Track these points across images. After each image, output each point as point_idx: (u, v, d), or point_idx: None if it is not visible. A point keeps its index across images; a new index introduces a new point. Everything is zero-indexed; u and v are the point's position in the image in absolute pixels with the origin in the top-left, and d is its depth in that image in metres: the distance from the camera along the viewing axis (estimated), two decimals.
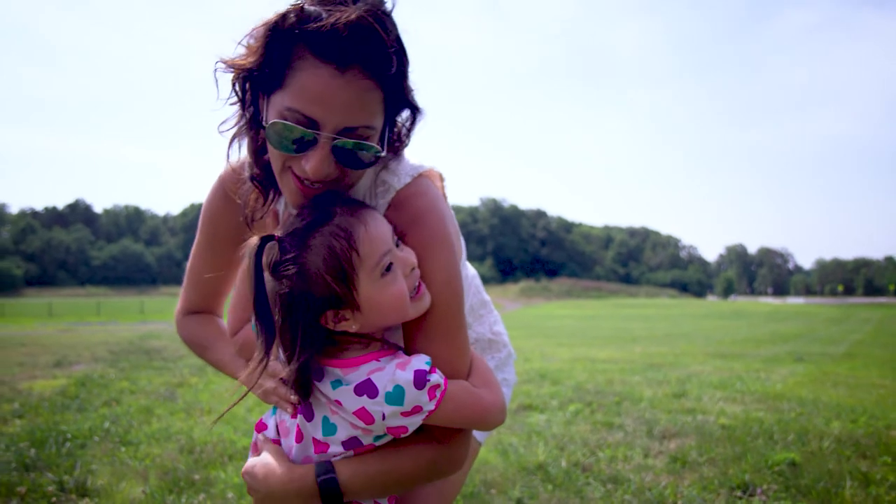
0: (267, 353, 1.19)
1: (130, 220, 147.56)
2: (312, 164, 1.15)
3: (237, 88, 1.20)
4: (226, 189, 1.49)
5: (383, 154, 1.21)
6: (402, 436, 1.23)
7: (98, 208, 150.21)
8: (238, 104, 1.23)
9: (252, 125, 1.24)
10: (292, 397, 1.27)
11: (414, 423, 1.20)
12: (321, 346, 1.21)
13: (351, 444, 1.25)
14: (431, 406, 1.19)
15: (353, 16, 1.06)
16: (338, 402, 1.19)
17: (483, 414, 1.27)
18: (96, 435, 5.04)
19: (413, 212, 1.29)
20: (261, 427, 1.40)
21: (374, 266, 1.17)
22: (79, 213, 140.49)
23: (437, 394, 1.20)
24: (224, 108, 1.24)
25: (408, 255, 1.25)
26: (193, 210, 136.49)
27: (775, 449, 4.62)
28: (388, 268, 1.19)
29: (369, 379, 1.18)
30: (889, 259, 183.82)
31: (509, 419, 5.86)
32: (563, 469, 4.21)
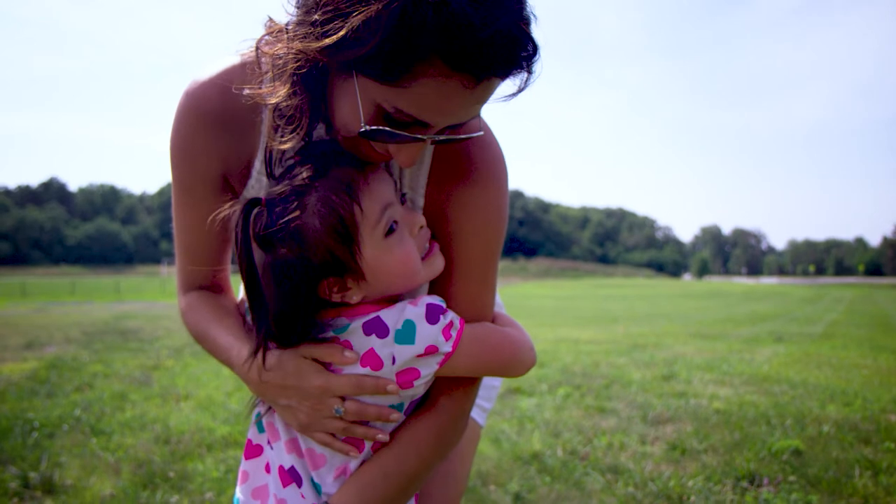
0: (262, 340, 1.01)
1: (106, 199, 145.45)
2: (406, 157, 0.97)
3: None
4: (206, 115, 1.13)
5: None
6: (414, 385, 1.03)
7: (73, 187, 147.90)
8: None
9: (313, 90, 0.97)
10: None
11: (428, 368, 1.01)
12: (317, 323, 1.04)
13: None
14: (448, 348, 1.01)
15: (504, 24, 0.79)
16: (347, 344, 1.01)
17: (515, 352, 1.10)
18: (66, 423, 4.78)
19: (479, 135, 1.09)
20: (251, 453, 1.17)
21: (375, 223, 0.98)
22: (53, 191, 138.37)
23: (454, 334, 1.02)
24: None
25: (413, 213, 1.07)
26: (171, 189, 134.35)
27: (775, 435, 4.49)
28: (393, 227, 1.00)
29: (378, 316, 1.01)
30: (859, 240, 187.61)
31: (499, 404, 5.68)
32: (560, 459, 4.04)
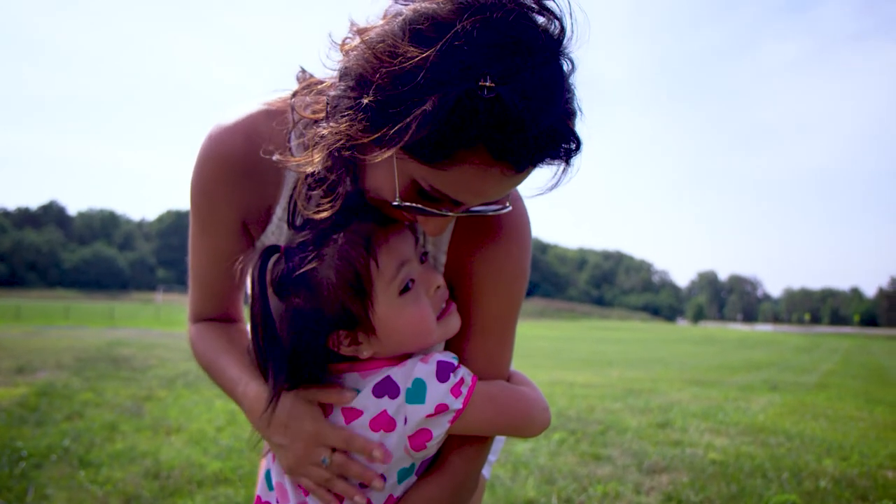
0: (277, 388, 1.00)
1: (105, 224, 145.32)
2: (433, 228, 0.98)
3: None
4: (229, 162, 1.11)
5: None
6: (427, 447, 1.02)
7: (72, 210, 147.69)
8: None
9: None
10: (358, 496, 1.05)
11: (439, 428, 1.00)
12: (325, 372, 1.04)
13: None
14: (458, 405, 0.99)
15: (551, 121, 0.81)
16: (359, 413, 1.00)
17: (529, 411, 1.08)
18: (54, 454, 4.71)
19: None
20: None
21: (390, 279, 0.97)
22: (52, 214, 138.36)
23: (464, 391, 1.00)
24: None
25: (432, 272, 1.06)
26: (170, 216, 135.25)
27: (771, 489, 4.45)
28: (408, 286, 1.00)
29: (388, 377, 1.00)
30: (854, 290, 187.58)
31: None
32: None
